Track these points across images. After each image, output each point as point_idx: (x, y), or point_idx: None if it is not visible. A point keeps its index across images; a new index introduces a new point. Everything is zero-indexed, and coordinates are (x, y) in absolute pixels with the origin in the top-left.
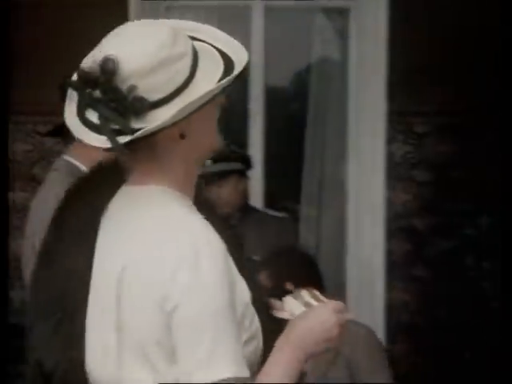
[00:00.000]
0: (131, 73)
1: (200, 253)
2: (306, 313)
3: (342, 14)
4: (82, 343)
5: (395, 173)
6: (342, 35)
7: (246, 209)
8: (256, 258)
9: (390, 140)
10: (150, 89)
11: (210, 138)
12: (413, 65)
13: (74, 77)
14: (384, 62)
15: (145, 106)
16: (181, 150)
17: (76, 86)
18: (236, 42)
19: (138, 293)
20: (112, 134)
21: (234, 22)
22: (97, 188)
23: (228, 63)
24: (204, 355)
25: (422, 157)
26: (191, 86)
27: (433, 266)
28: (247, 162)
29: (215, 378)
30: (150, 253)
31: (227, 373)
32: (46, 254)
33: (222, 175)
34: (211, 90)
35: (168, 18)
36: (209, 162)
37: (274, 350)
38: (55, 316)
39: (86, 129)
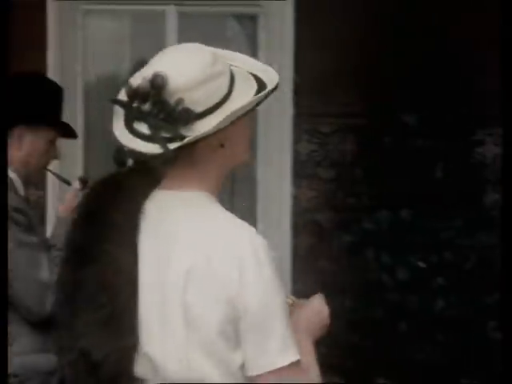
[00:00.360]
0: (178, 87)
1: (258, 251)
2: (303, 307)
3: (252, 19)
4: (132, 336)
5: (301, 171)
6: (252, 40)
7: None
8: None
9: (297, 139)
10: (195, 101)
11: (243, 149)
12: (319, 67)
13: (121, 95)
14: (291, 65)
15: (191, 117)
16: (217, 159)
17: (123, 104)
18: (264, 66)
19: (206, 292)
20: (164, 142)
21: (149, 26)
22: (128, 191)
23: (260, 84)
24: (280, 342)
25: (326, 155)
26: (229, 102)
27: (336, 259)
28: None
29: (291, 360)
30: (213, 254)
31: (297, 355)
32: (83, 251)
33: None
34: (249, 103)
35: (86, 21)
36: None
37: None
38: (104, 309)
39: (134, 138)
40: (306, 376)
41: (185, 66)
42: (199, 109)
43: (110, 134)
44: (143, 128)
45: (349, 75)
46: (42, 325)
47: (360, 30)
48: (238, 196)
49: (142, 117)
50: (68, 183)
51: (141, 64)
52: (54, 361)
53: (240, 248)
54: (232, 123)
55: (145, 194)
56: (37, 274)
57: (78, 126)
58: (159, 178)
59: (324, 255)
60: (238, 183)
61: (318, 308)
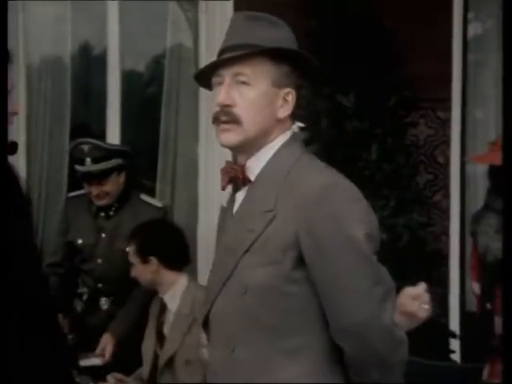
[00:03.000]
0: None
1: None
2: None
3: (193, 4)
4: None
5: None
6: (194, 24)
7: (124, 198)
8: None
9: None
10: None
11: None
12: None
13: None
14: None
15: None
16: None
17: None
18: None
19: None
20: None
21: (90, 9)
22: None
23: None
24: None
25: None
26: None
27: None
28: (126, 156)
29: None
30: None
31: None
32: None
33: (104, 174)
34: None
35: (26, 4)
36: (89, 161)
37: None
38: None
39: None
40: None
41: None
42: None
43: (53, 113)
44: None
45: None
46: None
47: (299, 15)
48: (180, 177)
49: None
50: None
51: None
52: None
53: None
54: None
55: None
56: None
57: (20, 106)
58: None
59: None
60: (181, 164)
61: None
